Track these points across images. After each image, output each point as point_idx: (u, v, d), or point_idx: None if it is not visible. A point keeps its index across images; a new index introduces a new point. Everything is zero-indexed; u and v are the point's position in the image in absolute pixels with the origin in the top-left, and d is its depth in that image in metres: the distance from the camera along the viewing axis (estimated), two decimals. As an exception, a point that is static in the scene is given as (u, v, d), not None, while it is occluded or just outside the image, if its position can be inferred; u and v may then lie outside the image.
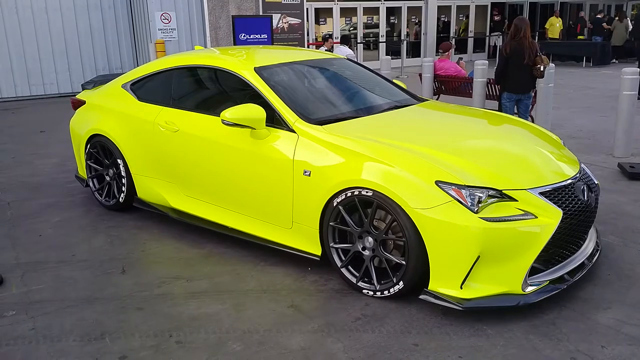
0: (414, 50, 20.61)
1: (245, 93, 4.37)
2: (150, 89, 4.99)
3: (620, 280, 3.68)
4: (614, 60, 18.98)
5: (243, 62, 4.50)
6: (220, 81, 4.71)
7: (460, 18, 21.69)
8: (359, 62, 5.37)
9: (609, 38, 19.71)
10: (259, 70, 4.32)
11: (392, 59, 10.97)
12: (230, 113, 3.92)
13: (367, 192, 3.42)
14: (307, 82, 4.65)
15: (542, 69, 6.60)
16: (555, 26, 20.74)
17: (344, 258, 3.69)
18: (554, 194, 3.40)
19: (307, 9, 14.21)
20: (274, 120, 4.02)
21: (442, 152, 3.54)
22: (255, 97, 4.17)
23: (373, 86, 4.91)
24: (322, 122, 3.93)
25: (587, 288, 3.57)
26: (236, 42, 10.44)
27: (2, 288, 3.81)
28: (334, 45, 12.74)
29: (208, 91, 4.91)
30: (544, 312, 3.29)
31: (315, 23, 18.01)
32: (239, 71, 4.36)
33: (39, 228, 4.89)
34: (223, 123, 3.97)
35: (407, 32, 20.21)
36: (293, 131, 3.89)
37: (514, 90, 6.75)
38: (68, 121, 9.71)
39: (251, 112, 3.92)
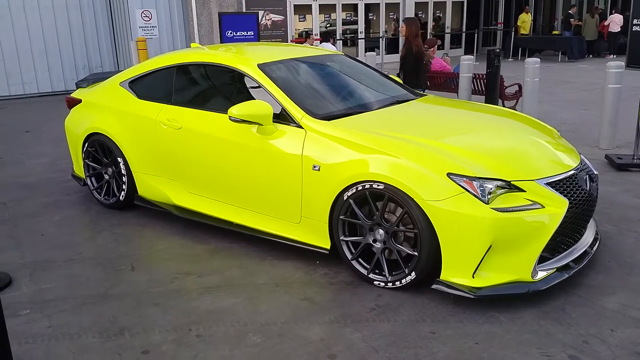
0: (392, 46, 20.76)
1: (248, 90, 4.41)
2: (150, 87, 4.99)
3: (620, 267, 3.82)
4: (585, 55, 19.40)
5: (246, 59, 4.53)
6: (224, 78, 4.74)
7: (438, 14, 21.92)
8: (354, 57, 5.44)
9: (579, 33, 20.11)
10: (262, 67, 4.36)
11: (376, 55, 11.07)
12: (238, 109, 3.95)
13: (378, 185, 3.49)
14: (310, 78, 4.70)
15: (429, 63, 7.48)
16: (526, 22, 21.12)
17: (354, 251, 3.76)
18: (560, 184, 3.51)
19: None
20: (280, 116, 4.06)
21: (450, 145, 3.64)
22: (259, 94, 4.21)
23: (373, 82, 4.98)
24: (328, 118, 3.99)
25: (590, 275, 3.69)
26: (223, 39, 10.43)
27: (12, 287, 3.79)
28: (316, 42, 12.82)
29: (211, 88, 4.93)
30: (552, 299, 3.41)
31: (294, 20, 18.03)
32: (242, 68, 4.39)
33: (40, 227, 4.87)
34: (230, 119, 4.00)
35: (386, 29, 20.36)
36: (300, 127, 3.94)
37: (425, 84, 7.24)
38: (52, 121, 9.66)
39: (258, 108, 3.96)
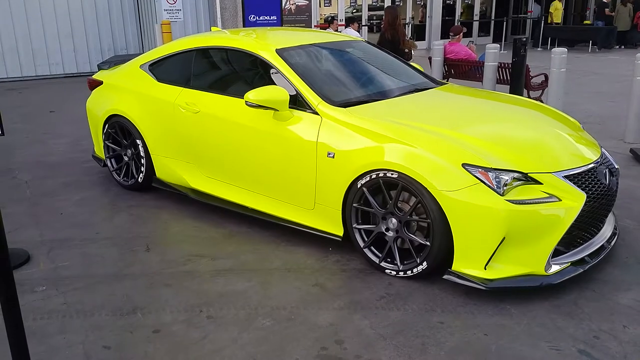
0: (419, 33, 20.54)
1: (266, 75, 4.41)
2: (169, 70, 5.02)
3: (638, 263, 3.74)
4: (617, 46, 18.94)
5: (264, 43, 4.52)
6: (241, 63, 4.74)
7: (467, 1, 21.60)
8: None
9: (612, 23, 19.62)
10: (280, 52, 4.34)
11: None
12: (254, 94, 3.95)
13: (392, 174, 3.47)
14: (328, 64, 4.68)
15: (412, 52, 7.54)
16: (559, 10, 20.68)
17: (366, 239, 3.75)
18: (578, 178, 3.45)
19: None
20: (296, 102, 4.06)
21: (467, 135, 3.59)
22: (277, 79, 4.21)
23: (392, 69, 4.93)
24: (345, 105, 3.97)
25: (606, 270, 3.64)
26: (245, 23, 10.42)
27: (30, 264, 3.87)
28: (340, 28, 12.73)
29: (229, 73, 4.93)
30: (565, 293, 3.36)
31: (320, 5, 17.91)
32: (260, 53, 4.39)
33: (59, 206, 4.95)
34: (246, 104, 4.00)
35: (412, 16, 20.14)
36: (316, 113, 3.93)
37: None
38: (76, 101, 9.79)
39: (275, 93, 3.96)
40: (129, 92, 5.18)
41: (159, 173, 5.04)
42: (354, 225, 3.77)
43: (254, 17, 10.50)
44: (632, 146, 6.47)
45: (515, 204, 3.20)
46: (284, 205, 4.18)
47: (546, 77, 8.63)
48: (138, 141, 5.04)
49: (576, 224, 3.36)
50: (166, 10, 13.46)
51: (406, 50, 7.35)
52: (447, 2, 20.99)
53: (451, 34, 9.86)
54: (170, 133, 4.81)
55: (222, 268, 3.79)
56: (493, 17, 22.48)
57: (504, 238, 3.21)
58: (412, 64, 5.24)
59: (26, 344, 2.49)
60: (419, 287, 3.49)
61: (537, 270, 3.30)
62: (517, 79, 8.50)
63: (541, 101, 7.73)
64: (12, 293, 2.42)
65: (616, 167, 3.93)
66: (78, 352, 2.90)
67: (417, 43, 19.63)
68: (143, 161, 5.06)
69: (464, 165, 3.30)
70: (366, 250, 3.74)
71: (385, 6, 8.04)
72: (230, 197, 4.50)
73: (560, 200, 3.29)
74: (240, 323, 3.14)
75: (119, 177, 5.37)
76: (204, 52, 4.88)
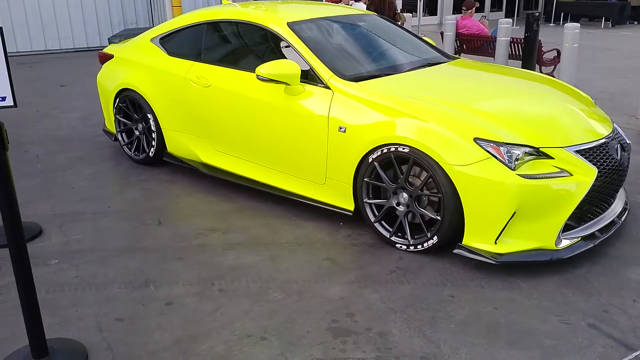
0: (431, 8, 20.31)
1: (277, 48, 4.38)
2: (180, 44, 5.00)
3: (649, 238, 3.75)
4: (631, 22, 18.63)
5: (275, 17, 4.49)
6: (253, 36, 4.71)
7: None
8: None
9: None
10: (291, 26, 4.31)
11: (412, 16, 10.85)
12: (265, 68, 3.94)
13: (403, 148, 3.46)
14: (340, 38, 4.64)
15: (400, 24, 7.45)
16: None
17: (377, 213, 3.76)
18: (590, 152, 3.43)
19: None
20: (307, 76, 4.04)
21: (479, 110, 3.57)
22: (288, 53, 4.19)
23: (404, 43, 4.89)
24: (356, 79, 3.94)
25: (616, 245, 3.63)
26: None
27: (42, 238, 3.92)
28: (351, 2, 12.58)
29: (240, 46, 4.90)
30: (575, 268, 3.37)
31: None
32: (271, 26, 4.36)
33: (71, 180, 4.99)
34: (258, 78, 3.99)
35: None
36: (328, 87, 3.91)
37: None
38: (87, 75, 9.79)
39: (286, 67, 3.94)
40: (139, 66, 5.17)
41: (170, 147, 5.05)
42: (364, 200, 3.77)
43: (263, -9, 10.42)
44: (644, 122, 6.41)
45: (527, 178, 3.19)
46: (295, 179, 4.19)
47: (558, 52, 8.54)
48: (149, 115, 5.04)
49: (587, 199, 3.35)
50: (175, -17, 13.35)
51: (397, 22, 7.45)
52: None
53: (464, 8, 9.75)
54: (181, 107, 4.80)
55: (234, 242, 3.82)
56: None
57: (514, 212, 3.21)
58: (424, 38, 5.19)
59: (40, 316, 2.54)
60: (429, 261, 3.51)
61: (548, 244, 3.30)
62: (529, 55, 8.42)
63: (553, 77, 7.64)
64: (26, 266, 2.46)
65: (628, 142, 3.91)
66: (91, 324, 2.94)
67: (428, 18, 19.48)
68: (154, 135, 5.07)
69: (475, 139, 3.29)
70: (377, 225, 3.75)
71: None
72: (241, 171, 4.51)
73: (571, 175, 3.28)
74: (252, 296, 3.17)
75: (130, 151, 5.39)
76: (214, 26, 4.85)
